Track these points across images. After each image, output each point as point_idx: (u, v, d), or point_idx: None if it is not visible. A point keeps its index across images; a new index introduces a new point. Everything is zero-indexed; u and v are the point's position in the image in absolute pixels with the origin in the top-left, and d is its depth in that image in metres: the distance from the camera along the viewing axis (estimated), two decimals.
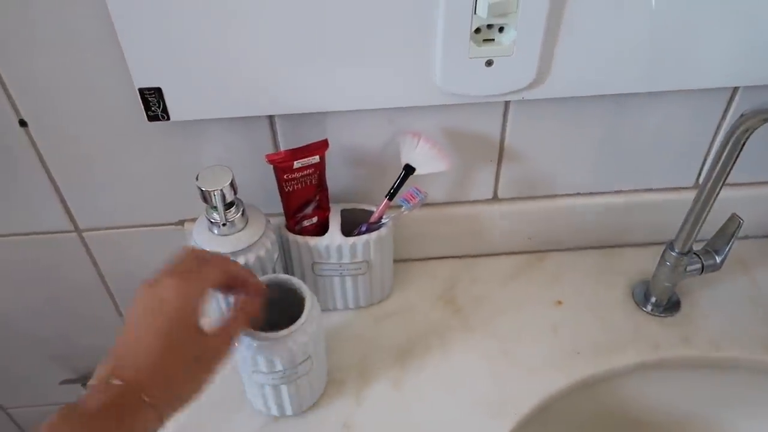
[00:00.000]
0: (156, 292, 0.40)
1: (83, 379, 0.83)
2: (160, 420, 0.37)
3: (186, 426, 0.53)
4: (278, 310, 0.50)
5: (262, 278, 0.52)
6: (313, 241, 0.57)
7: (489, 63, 0.51)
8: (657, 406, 0.63)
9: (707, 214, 0.54)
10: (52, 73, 0.52)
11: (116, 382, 0.36)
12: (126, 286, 0.72)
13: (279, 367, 0.49)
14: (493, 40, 0.50)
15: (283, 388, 0.51)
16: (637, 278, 0.66)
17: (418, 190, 0.56)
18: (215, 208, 0.52)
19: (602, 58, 0.52)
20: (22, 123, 0.55)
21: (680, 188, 0.65)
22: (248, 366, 0.50)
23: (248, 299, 0.46)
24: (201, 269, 0.42)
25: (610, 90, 0.55)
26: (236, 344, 0.46)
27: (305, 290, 0.50)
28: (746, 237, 0.69)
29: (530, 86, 0.53)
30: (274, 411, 0.54)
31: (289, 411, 0.54)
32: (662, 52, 0.52)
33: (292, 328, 0.48)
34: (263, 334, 0.48)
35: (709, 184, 0.52)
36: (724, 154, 0.49)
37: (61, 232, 0.65)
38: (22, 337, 0.77)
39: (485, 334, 0.61)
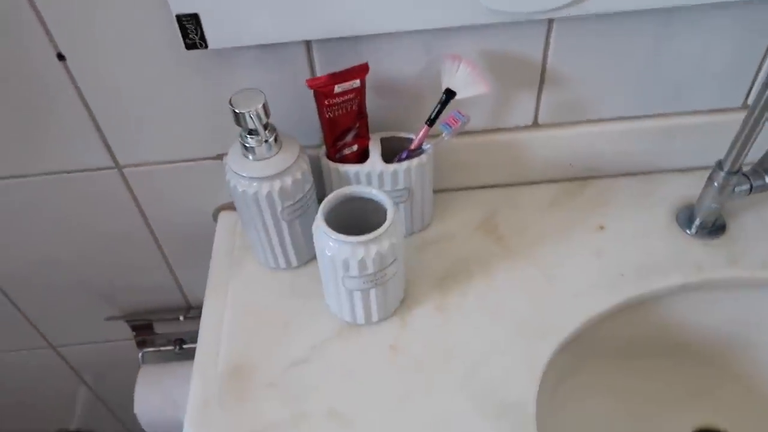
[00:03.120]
0: None
1: (128, 317, 0.85)
2: None
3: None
4: (346, 226, 0.51)
5: (335, 192, 0.52)
6: (355, 168, 0.57)
7: None
8: (701, 329, 0.62)
9: (760, 131, 0.53)
10: (88, 3, 0.51)
11: None
12: (167, 223, 0.73)
13: (371, 269, 0.50)
14: None
15: (372, 292, 0.53)
16: (681, 203, 0.65)
17: (460, 113, 0.55)
18: (253, 131, 0.51)
19: None
20: (60, 57, 0.55)
21: (727, 110, 0.63)
22: (338, 271, 0.51)
23: None
24: None
25: (658, 3, 0.52)
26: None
27: (384, 197, 0.51)
28: None
29: (578, 0, 0.51)
30: (360, 319, 0.55)
31: (375, 317, 0.55)
32: None
33: (382, 229, 0.49)
34: (355, 237, 0.48)
35: (765, 98, 0.50)
36: None
37: (102, 168, 0.65)
38: (67, 275, 0.79)
39: (528, 260, 0.61)
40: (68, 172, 0.66)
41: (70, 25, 0.53)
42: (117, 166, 0.65)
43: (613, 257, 0.61)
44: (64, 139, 0.62)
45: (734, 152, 0.55)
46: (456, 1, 0.51)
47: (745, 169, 0.58)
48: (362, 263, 0.49)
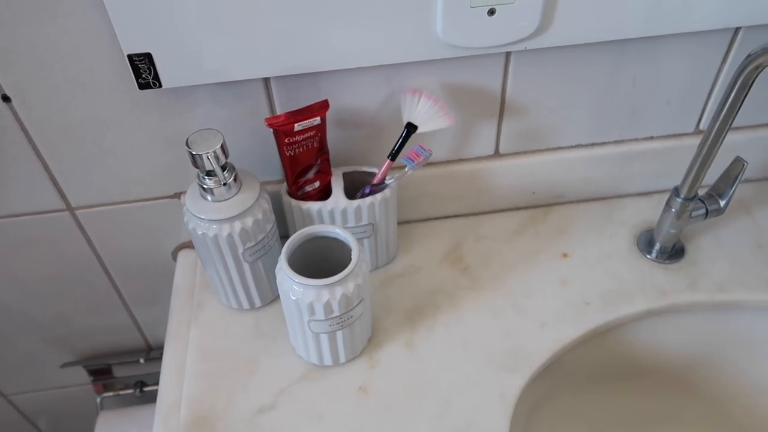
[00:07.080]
0: None
1: (85, 361, 0.81)
2: None
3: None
4: (310, 265, 0.50)
5: (298, 233, 0.51)
6: (317, 205, 0.56)
7: (491, 12, 0.49)
8: (665, 352, 0.63)
9: (714, 158, 0.54)
10: (34, 43, 0.49)
11: None
12: (123, 264, 0.70)
13: (337, 311, 0.49)
14: None
15: (339, 334, 0.51)
16: (640, 227, 0.66)
17: (422, 147, 0.55)
18: (210, 172, 0.50)
19: (604, 2, 0.51)
20: (5, 98, 0.52)
21: (681, 135, 0.65)
22: (304, 315, 0.49)
23: None
24: None
25: (611, 36, 0.54)
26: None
27: (348, 236, 0.50)
28: (747, 180, 0.69)
29: (533, 35, 0.51)
30: (328, 360, 0.54)
31: (343, 358, 0.54)
32: None
33: (347, 270, 0.48)
34: (320, 281, 0.47)
35: (716, 127, 0.51)
36: (732, 94, 0.49)
37: (53, 211, 0.62)
38: (19, 320, 0.75)
39: (494, 290, 0.61)
40: (17, 216, 0.63)
41: (16, 66, 0.50)
42: (68, 208, 0.62)
43: (578, 285, 0.61)
44: (12, 181, 0.59)
45: (689, 179, 0.57)
46: (415, 37, 0.51)
47: (701, 193, 0.60)
48: (328, 306, 0.48)
